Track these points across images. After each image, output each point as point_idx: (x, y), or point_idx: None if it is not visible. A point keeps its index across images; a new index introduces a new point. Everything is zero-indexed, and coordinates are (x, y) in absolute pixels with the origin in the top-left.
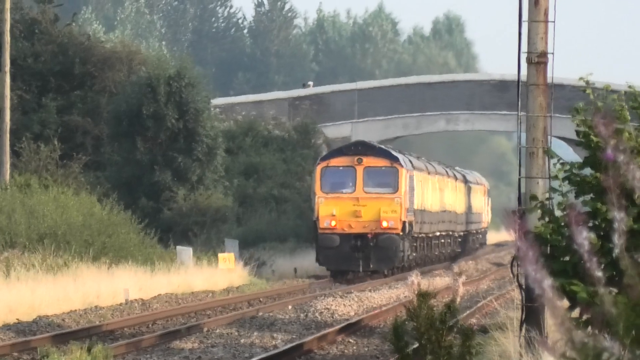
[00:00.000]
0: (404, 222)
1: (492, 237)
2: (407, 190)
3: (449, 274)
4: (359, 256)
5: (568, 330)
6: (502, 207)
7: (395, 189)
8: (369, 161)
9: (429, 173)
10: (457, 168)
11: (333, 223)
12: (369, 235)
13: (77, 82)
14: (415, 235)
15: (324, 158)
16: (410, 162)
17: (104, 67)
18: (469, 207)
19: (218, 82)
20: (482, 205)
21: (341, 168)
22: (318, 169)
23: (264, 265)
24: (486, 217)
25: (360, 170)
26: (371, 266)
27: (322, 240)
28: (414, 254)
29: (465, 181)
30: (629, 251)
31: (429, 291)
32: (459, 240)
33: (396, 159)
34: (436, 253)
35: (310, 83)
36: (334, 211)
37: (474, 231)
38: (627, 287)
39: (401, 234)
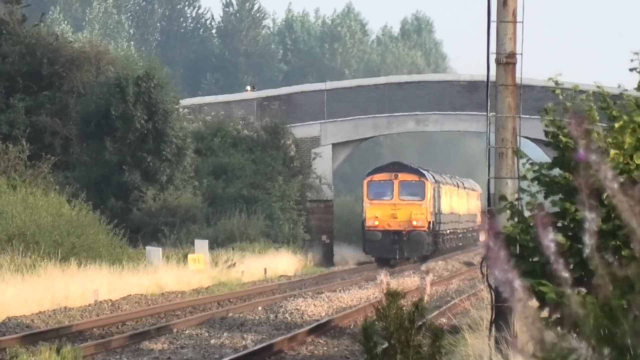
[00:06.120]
0: (429, 222)
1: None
2: (431, 198)
3: (418, 275)
4: (395, 247)
5: (538, 330)
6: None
7: (423, 197)
8: (403, 176)
9: (444, 184)
10: (457, 177)
11: (376, 222)
12: (403, 232)
13: (45, 82)
14: (436, 232)
15: (369, 174)
16: (433, 177)
17: (72, 68)
18: (467, 210)
19: (186, 82)
20: (475, 207)
21: (382, 181)
22: (365, 182)
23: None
24: (479, 217)
25: (396, 183)
26: (405, 255)
27: (368, 235)
28: (435, 247)
29: (465, 188)
30: (599, 251)
31: (397, 291)
32: (460, 236)
33: (423, 175)
34: (447, 246)
35: (248, 87)
36: (377, 213)
37: (470, 229)
38: (596, 287)
39: (427, 231)
